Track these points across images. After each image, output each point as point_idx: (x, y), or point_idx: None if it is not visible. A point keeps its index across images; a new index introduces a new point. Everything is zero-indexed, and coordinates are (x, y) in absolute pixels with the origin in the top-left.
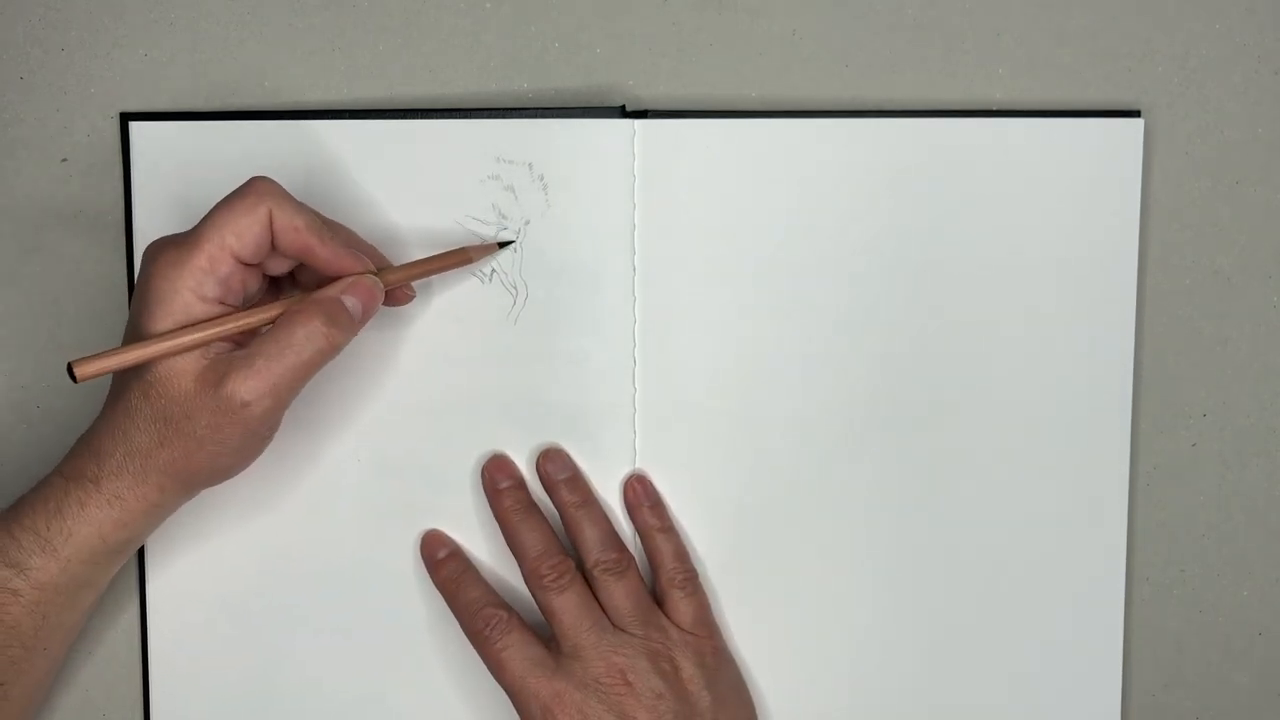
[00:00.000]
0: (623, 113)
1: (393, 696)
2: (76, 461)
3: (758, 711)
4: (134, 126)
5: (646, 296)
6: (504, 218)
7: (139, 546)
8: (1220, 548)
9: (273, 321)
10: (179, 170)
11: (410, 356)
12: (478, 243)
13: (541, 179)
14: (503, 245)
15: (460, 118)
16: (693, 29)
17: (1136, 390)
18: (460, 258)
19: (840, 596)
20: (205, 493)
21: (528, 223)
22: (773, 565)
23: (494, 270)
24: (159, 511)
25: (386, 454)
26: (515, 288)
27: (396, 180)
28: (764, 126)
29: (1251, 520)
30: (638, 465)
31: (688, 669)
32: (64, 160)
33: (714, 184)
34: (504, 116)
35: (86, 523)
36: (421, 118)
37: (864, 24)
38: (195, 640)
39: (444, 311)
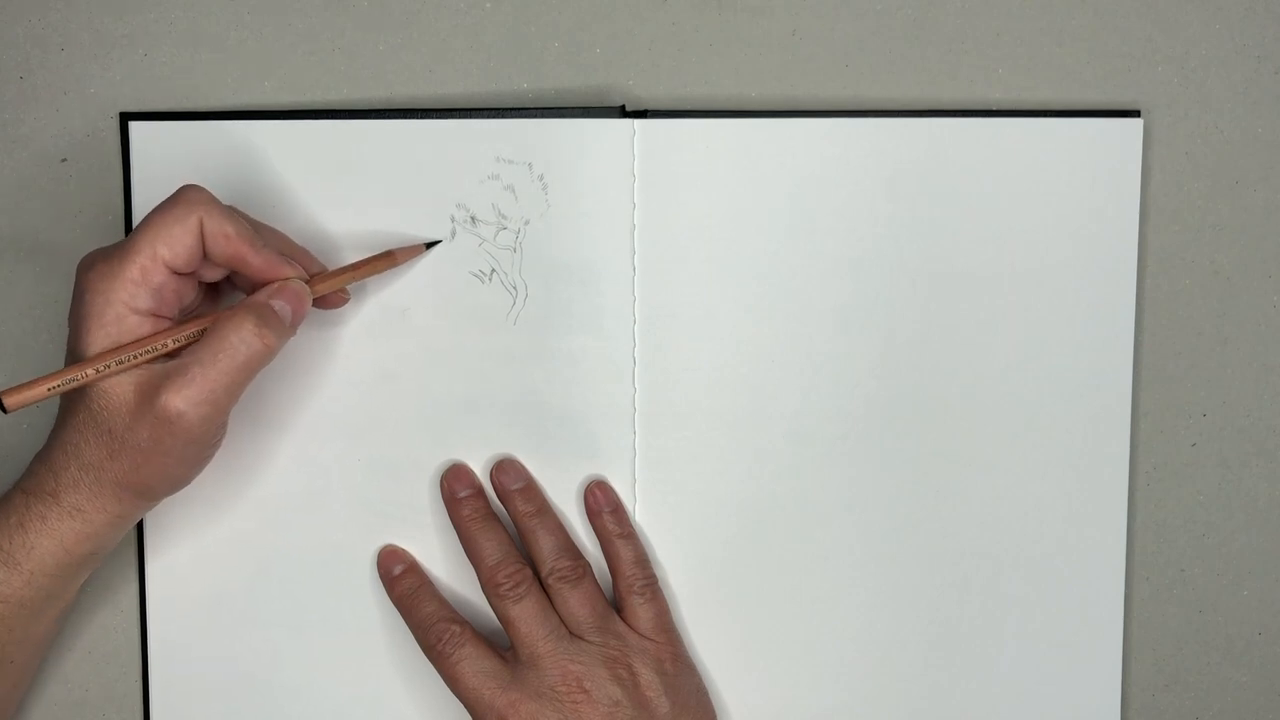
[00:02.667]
0: (622, 112)
1: (391, 696)
2: (34, 477)
3: (721, 718)
4: (134, 126)
5: (646, 296)
6: (504, 218)
7: (105, 557)
8: (1220, 548)
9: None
10: (179, 170)
11: (410, 357)
12: (407, 244)
13: (541, 179)
14: (429, 245)
15: (460, 118)
16: (693, 29)
17: (1136, 390)
18: (387, 261)
19: (840, 595)
20: (205, 493)
21: (528, 223)
22: (773, 565)
23: (494, 270)
24: (122, 521)
25: (386, 455)
26: (515, 288)
27: (396, 180)
28: (764, 126)
29: (1251, 520)
30: (637, 465)
31: (646, 676)
32: (64, 160)
33: (714, 184)
34: (504, 116)
35: (49, 536)
36: (421, 118)
37: (864, 24)
38: (195, 640)
39: (444, 312)
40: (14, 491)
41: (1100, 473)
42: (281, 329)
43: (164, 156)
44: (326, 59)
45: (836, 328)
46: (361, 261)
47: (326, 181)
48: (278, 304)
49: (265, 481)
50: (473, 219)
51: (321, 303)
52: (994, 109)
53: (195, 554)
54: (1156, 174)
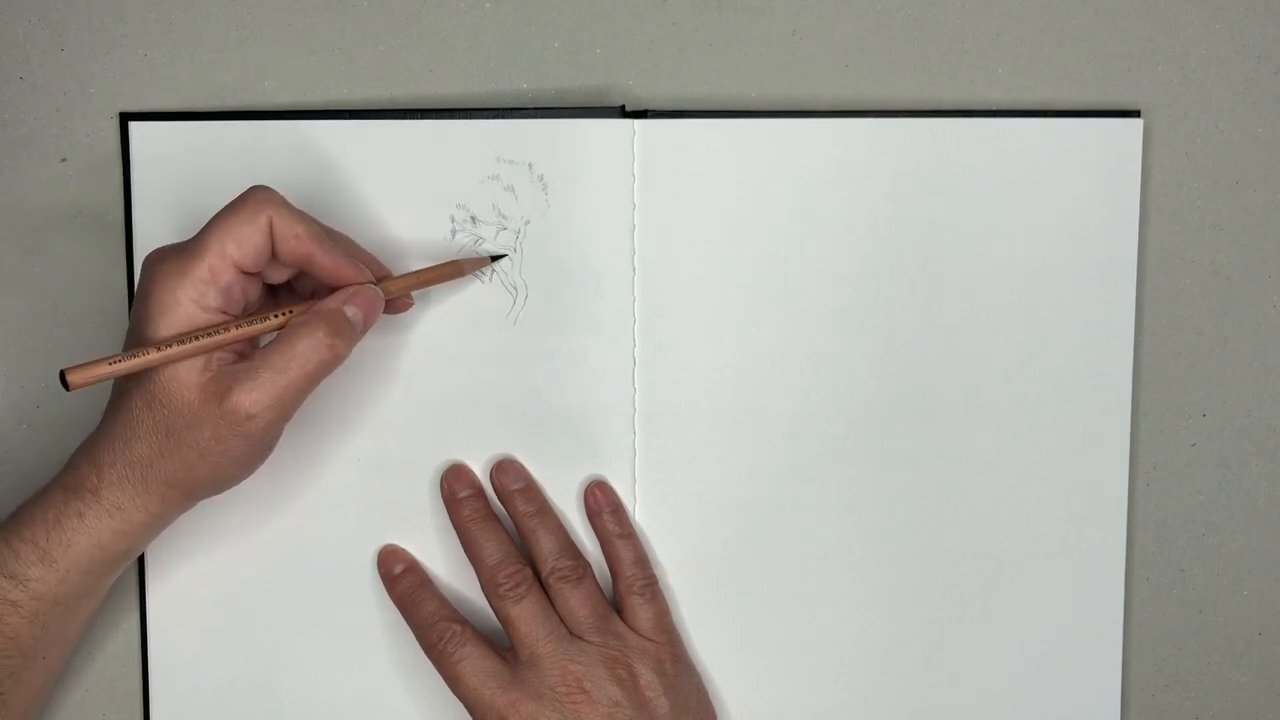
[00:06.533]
0: (622, 113)
1: (391, 697)
2: (76, 472)
3: (721, 718)
4: (134, 126)
5: (646, 297)
6: (504, 218)
7: (138, 555)
8: (1220, 548)
9: (270, 331)
10: (179, 170)
11: (410, 357)
12: (472, 254)
13: (541, 179)
14: (495, 259)
15: (460, 118)
16: (693, 29)
17: (1136, 390)
18: (453, 269)
19: (840, 595)
20: None
21: (528, 223)
22: (773, 565)
23: (494, 270)
24: (159, 521)
25: (386, 455)
26: (515, 288)
27: (396, 180)
28: (764, 126)
29: (1251, 520)
30: (637, 465)
31: (645, 676)
32: (64, 160)
33: (714, 184)
34: (504, 116)
35: (86, 534)
36: (421, 118)
37: (864, 24)
38: (195, 641)
39: (444, 312)
40: (53, 487)
41: (1100, 473)
42: (353, 336)
43: (164, 156)
44: (326, 59)
45: (836, 328)
46: (428, 269)
47: (326, 182)
48: (351, 310)
49: (265, 482)
50: (473, 219)
51: (387, 308)
52: (994, 109)
53: (195, 554)
54: (1156, 174)
